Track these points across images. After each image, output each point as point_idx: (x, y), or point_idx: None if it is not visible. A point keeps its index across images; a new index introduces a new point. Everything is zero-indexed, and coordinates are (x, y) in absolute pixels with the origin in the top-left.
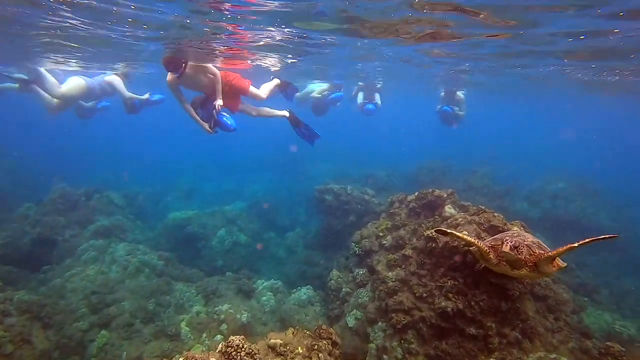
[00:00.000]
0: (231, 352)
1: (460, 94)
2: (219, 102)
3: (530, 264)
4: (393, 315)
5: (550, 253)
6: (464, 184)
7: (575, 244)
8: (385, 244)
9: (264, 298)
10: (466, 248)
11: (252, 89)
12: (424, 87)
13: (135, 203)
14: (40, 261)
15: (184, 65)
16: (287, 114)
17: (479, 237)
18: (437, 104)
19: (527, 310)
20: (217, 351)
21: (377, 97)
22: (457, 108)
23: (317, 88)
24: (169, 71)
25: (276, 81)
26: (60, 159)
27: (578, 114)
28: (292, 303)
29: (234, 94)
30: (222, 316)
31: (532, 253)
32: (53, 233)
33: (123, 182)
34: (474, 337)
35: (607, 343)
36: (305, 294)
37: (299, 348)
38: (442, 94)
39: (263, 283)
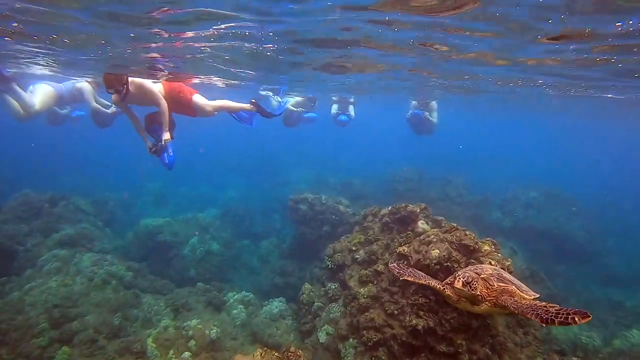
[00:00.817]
0: None
1: (433, 102)
2: (166, 136)
3: (491, 299)
4: (364, 332)
5: (507, 304)
6: (439, 193)
7: (542, 323)
8: (357, 258)
9: (235, 311)
10: (437, 267)
11: (196, 101)
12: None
13: (105, 209)
14: None
15: (125, 87)
16: None
17: (449, 256)
18: (408, 111)
19: (497, 326)
20: None
21: (351, 109)
22: (427, 113)
23: (291, 100)
24: (110, 94)
25: (246, 106)
26: (25, 163)
27: (548, 123)
28: (263, 317)
29: (184, 106)
30: (191, 332)
31: (490, 287)
32: (13, 242)
33: (92, 187)
34: (445, 354)
35: (574, 358)
36: (277, 307)
37: None
38: (415, 102)
39: (234, 295)
